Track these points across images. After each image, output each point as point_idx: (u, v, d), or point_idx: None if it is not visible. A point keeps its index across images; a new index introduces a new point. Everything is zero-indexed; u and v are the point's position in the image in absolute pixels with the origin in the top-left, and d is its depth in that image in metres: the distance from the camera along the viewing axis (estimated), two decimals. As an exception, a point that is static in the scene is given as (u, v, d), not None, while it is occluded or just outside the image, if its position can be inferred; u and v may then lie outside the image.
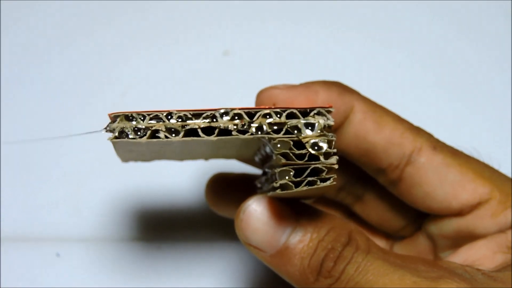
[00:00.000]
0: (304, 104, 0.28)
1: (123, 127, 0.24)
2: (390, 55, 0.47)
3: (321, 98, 0.29)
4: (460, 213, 0.30)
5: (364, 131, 0.30)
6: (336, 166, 0.25)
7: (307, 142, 0.25)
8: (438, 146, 0.30)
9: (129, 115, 0.24)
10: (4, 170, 0.42)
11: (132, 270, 0.39)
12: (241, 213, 0.27)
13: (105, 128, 0.25)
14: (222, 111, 0.25)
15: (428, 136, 0.31)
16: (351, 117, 0.30)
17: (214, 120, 0.25)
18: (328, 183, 0.24)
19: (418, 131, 0.31)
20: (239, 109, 0.25)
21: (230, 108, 0.25)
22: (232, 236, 0.32)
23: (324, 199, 0.35)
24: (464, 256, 0.30)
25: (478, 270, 0.28)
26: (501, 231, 0.30)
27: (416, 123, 0.31)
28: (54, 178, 0.42)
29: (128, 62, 0.46)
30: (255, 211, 0.27)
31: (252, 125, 0.25)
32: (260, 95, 0.30)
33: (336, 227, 0.27)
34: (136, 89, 0.45)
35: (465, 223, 0.30)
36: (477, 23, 0.49)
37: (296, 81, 0.47)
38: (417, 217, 0.33)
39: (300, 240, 0.27)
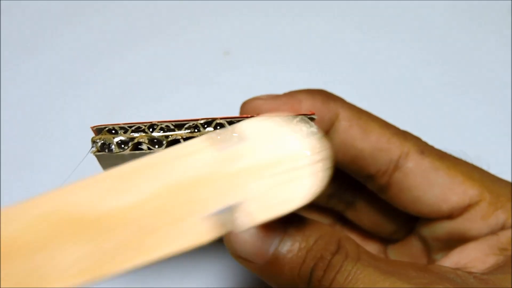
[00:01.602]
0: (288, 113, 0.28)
1: (105, 140, 0.24)
2: (388, 56, 0.47)
3: (305, 107, 0.30)
4: (450, 215, 0.30)
5: (350, 138, 0.30)
6: None
7: None
8: (426, 150, 0.30)
9: (111, 127, 0.24)
10: (4, 170, 0.42)
11: (132, 270, 0.40)
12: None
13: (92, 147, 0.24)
14: (203, 121, 0.25)
15: (416, 140, 0.31)
16: (337, 125, 0.30)
17: (197, 130, 0.25)
18: None
19: (405, 136, 0.30)
20: (221, 118, 0.25)
21: (212, 118, 0.25)
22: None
23: (315, 206, 0.35)
24: (456, 259, 0.30)
25: (470, 273, 0.28)
26: (492, 232, 0.30)
27: (407, 125, 0.31)
28: (54, 178, 0.42)
29: (128, 61, 0.46)
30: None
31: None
32: (244, 107, 0.30)
33: (324, 235, 0.27)
34: (136, 88, 0.46)
35: (456, 226, 0.30)
36: (476, 23, 0.48)
37: (296, 81, 0.47)
38: (409, 220, 0.33)
39: (289, 249, 0.26)
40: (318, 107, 0.30)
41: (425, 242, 0.32)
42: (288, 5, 0.49)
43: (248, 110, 0.30)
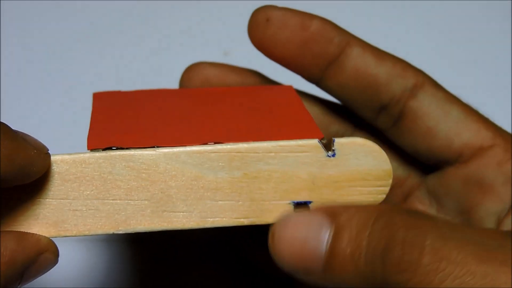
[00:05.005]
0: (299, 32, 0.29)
1: None
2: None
3: (314, 26, 0.29)
4: (460, 156, 0.29)
5: (364, 64, 0.29)
6: None
7: None
8: (440, 85, 0.30)
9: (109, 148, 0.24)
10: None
11: (132, 270, 0.39)
12: (269, 240, 0.23)
13: None
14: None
15: (430, 77, 0.30)
16: (348, 51, 0.29)
17: None
18: None
19: (420, 70, 0.30)
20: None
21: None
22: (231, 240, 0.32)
23: None
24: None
25: None
26: (508, 183, 0.28)
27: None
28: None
29: (127, 61, 0.46)
30: (283, 234, 0.23)
31: None
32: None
33: (382, 209, 0.23)
34: (135, 88, 0.45)
35: (470, 172, 0.29)
36: (477, 23, 0.49)
37: (297, 80, 0.47)
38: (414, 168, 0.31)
39: (344, 238, 0.22)
40: (329, 29, 0.29)
41: (435, 197, 0.31)
42: (287, 5, 0.49)
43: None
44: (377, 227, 0.22)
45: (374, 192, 0.24)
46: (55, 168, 0.23)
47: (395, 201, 0.32)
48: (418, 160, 0.31)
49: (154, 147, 0.23)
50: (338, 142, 0.24)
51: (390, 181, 0.24)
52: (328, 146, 0.24)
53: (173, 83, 0.47)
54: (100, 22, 0.48)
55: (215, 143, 0.24)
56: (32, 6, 0.49)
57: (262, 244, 0.25)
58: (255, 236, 0.33)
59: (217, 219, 0.24)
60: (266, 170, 0.24)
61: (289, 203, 0.24)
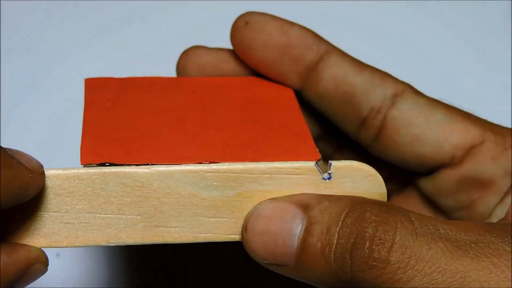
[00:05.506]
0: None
1: None
2: (388, 56, 0.47)
3: (294, 32, 0.29)
4: (453, 158, 0.28)
5: (342, 72, 0.29)
6: None
7: None
8: (421, 93, 0.29)
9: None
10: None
11: (133, 270, 0.39)
12: (243, 232, 0.24)
13: None
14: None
15: (409, 85, 0.29)
16: (327, 59, 0.29)
17: None
18: None
19: (398, 80, 0.29)
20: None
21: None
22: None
23: None
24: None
25: None
26: (507, 174, 0.27)
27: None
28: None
29: (127, 62, 0.46)
30: (256, 226, 0.23)
31: None
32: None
33: (354, 204, 0.22)
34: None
35: (465, 171, 0.28)
36: (477, 23, 0.49)
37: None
38: (401, 175, 0.30)
39: (314, 234, 0.22)
40: (309, 36, 0.29)
41: (429, 196, 0.29)
42: (287, 4, 0.49)
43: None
44: (347, 221, 0.22)
45: None
46: (48, 183, 0.23)
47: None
48: (409, 170, 0.29)
49: (148, 164, 0.23)
50: (335, 165, 0.24)
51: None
52: (324, 169, 0.24)
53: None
54: (100, 23, 0.48)
55: (210, 162, 0.23)
56: (33, 5, 0.49)
57: None
58: None
59: (209, 234, 0.24)
60: (260, 190, 0.23)
61: None
